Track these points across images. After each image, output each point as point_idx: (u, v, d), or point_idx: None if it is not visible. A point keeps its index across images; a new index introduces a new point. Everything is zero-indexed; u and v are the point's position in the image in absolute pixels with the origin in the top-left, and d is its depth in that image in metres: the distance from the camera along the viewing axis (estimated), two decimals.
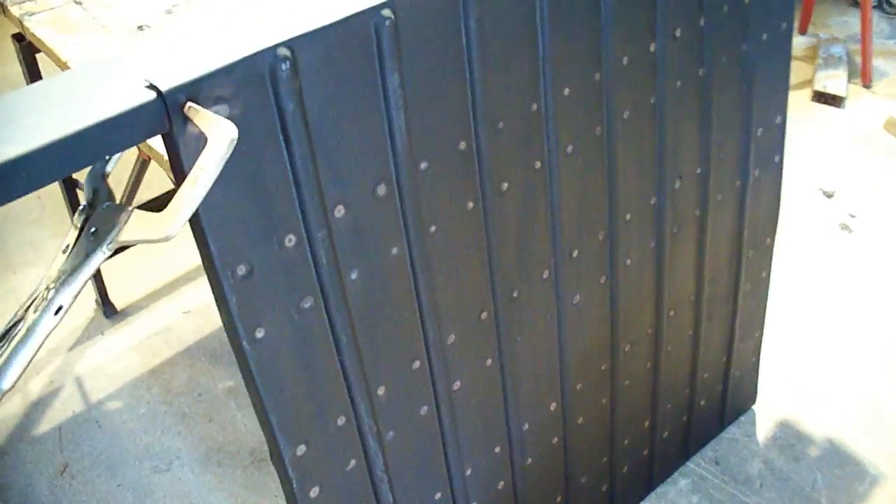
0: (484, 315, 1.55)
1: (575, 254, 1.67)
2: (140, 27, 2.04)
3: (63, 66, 1.94)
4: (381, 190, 1.27)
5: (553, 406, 1.84)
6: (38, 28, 2.06)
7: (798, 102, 3.66)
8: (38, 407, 2.80)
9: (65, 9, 2.14)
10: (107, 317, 3.04)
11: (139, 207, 1.29)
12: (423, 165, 1.31)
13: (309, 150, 1.16)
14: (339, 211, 1.24)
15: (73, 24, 2.07)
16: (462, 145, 1.35)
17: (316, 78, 1.13)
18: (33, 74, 2.40)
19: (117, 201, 1.36)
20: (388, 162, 1.26)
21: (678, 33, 1.65)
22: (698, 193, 1.89)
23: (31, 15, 2.11)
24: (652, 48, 1.61)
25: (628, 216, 1.74)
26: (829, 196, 3.20)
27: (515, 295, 1.60)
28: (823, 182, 3.28)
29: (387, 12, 1.16)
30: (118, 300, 3.09)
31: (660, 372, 2.07)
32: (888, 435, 2.50)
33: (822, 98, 3.61)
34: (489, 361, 1.62)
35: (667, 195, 1.80)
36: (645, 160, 1.72)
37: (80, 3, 2.16)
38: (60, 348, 2.99)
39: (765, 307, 2.34)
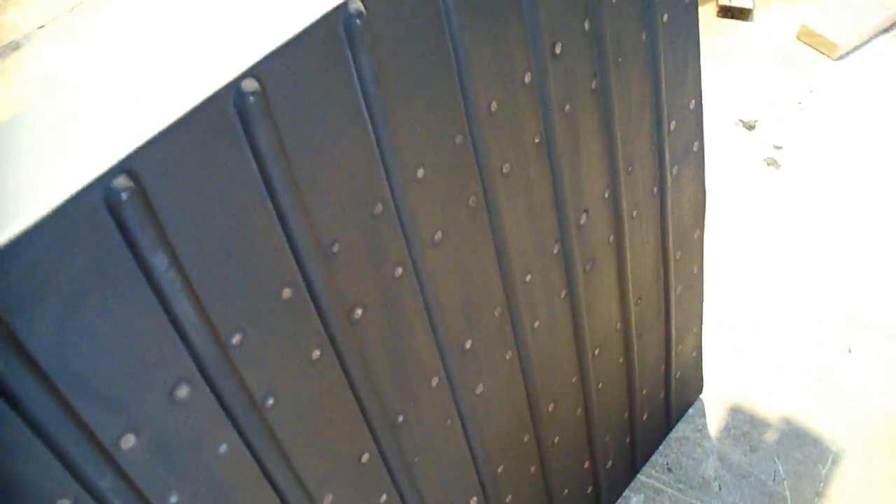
0: (365, 457, 1.23)
1: (468, 345, 1.34)
2: None
3: None
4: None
5: (474, 501, 1.54)
6: None
7: (702, 21, 3.27)
8: None
9: None
10: None
11: None
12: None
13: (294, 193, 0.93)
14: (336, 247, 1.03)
15: None
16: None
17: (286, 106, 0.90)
18: None
19: None
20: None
21: (558, 49, 1.28)
22: (610, 219, 1.56)
23: None
24: (527, 79, 1.25)
25: (528, 277, 1.41)
26: (750, 128, 2.88)
27: (401, 420, 1.27)
28: (741, 111, 2.94)
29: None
30: None
31: (592, 413, 1.78)
32: (843, 404, 2.28)
33: (729, 12, 3.23)
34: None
35: (572, 236, 1.47)
36: (538, 209, 1.37)
37: None
38: None
39: (701, 300, 2.05)
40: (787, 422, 2.26)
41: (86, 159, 0.77)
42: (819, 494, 2.13)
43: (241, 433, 1.00)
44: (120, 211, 0.78)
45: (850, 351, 2.37)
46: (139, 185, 0.79)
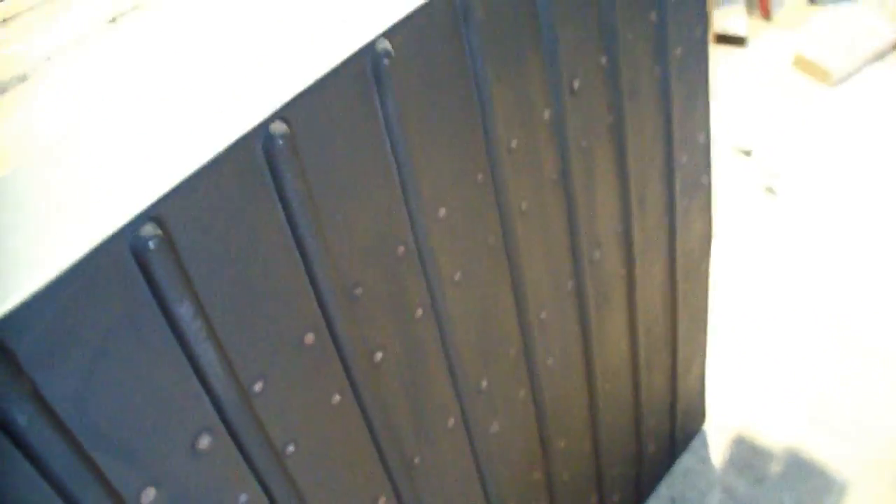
0: (381, 500, 1.20)
1: (483, 385, 1.31)
2: None
3: None
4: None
5: None
6: None
7: None
8: None
9: None
10: None
11: None
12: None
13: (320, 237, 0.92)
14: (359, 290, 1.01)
15: None
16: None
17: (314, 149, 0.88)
18: None
19: None
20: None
21: (576, 85, 1.27)
22: (622, 253, 1.54)
23: None
24: (546, 115, 1.23)
25: (543, 315, 1.39)
26: (747, 154, 2.88)
27: (417, 461, 1.24)
28: (738, 139, 2.94)
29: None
30: None
31: (601, 448, 1.76)
32: (848, 431, 2.26)
33: (724, 40, 3.24)
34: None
35: (585, 272, 1.45)
36: (554, 245, 1.35)
37: None
38: None
39: (706, 330, 2.03)
40: (792, 452, 2.24)
41: (111, 206, 0.75)
42: None
43: (261, 482, 0.97)
44: (147, 260, 0.76)
45: (851, 377, 2.36)
46: (166, 233, 0.76)
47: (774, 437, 2.26)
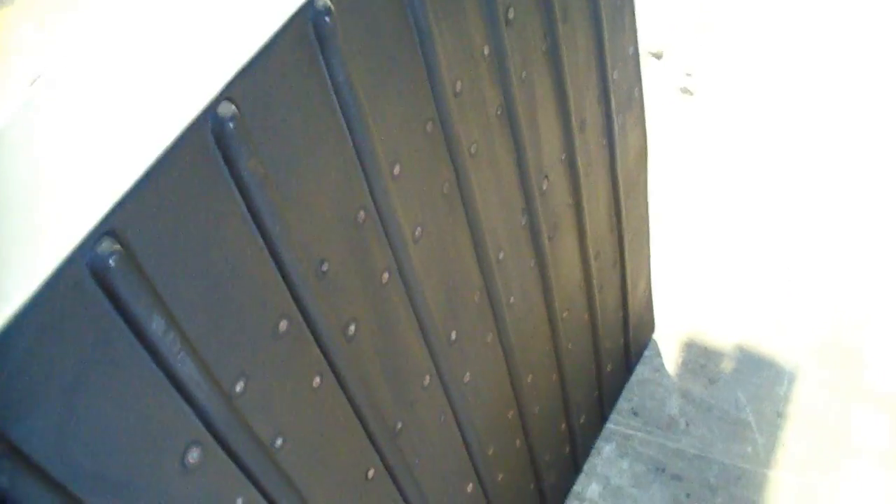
0: (371, 472, 1.16)
1: (453, 336, 1.27)
2: None
3: None
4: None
5: (470, 487, 1.49)
6: None
7: None
8: None
9: None
10: None
11: None
12: None
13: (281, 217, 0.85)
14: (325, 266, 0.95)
15: None
16: None
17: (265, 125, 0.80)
18: None
19: None
20: None
21: (511, 14, 1.20)
22: (568, 180, 1.51)
23: None
24: (486, 51, 1.17)
25: (501, 255, 1.35)
26: (659, 57, 2.86)
27: (400, 427, 1.20)
28: (647, 40, 2.91)
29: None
30: None
31: (566, 376, 1.75)
32: (791, 322, 2.32)
33: None
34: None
35: (536, 204, 1.41)
36: (506, 183, 1.31)
37: None
38: None
39: (648, 242, 2.03)
40: (740, 349, 2.29)
41: (60, 226, 0.66)
42: (780, 414, 2.17)
43: (255, 483, 0.92)
44: (109, 279, 0.68)
45: (787, 270, 2.41)
46: (125, 246, 0.68)
47: (724, 338, 2.30)
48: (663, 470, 2.10)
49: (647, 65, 2.86)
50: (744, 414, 2.19)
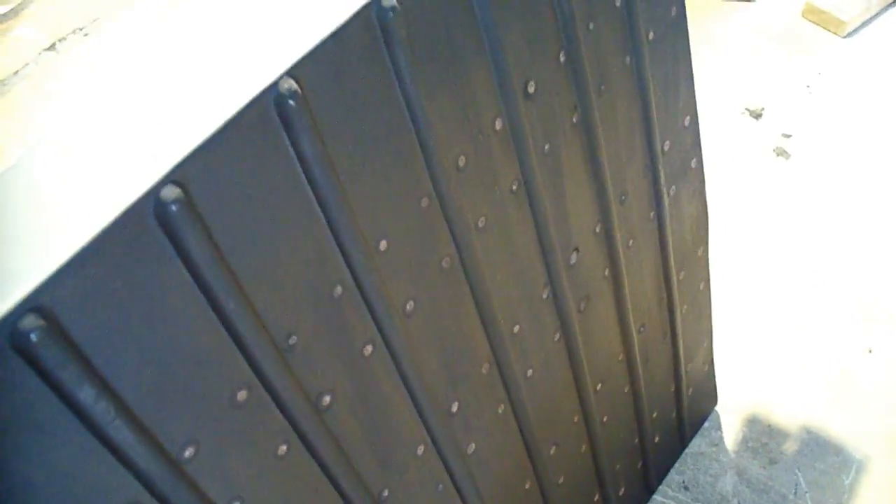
0: None
1: (454, 407, 1.26)
2: None
3: None
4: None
5: None
6: None
7: (703, 4, 3.13)
8: None
9: None
10: None
11: None
12: None
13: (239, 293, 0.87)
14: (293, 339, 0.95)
15: None
16: None
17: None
18: None
19: None
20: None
21: (531, 88, 1.19)
22: (604, 252, 1.47)
23: None
24: (498, 125, 1.16)
25: (516, 328, 1.33)
26: (757, 116, 2.76)
27: (386, 495, 1.19)
28: (747, 98, 2.81)
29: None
30: None
31: (598, 447, 1.70)
32: (863, 405, 2.18)
33: None
34: None
35: (561, 278, 1.38)
36: (522, 257, 1.29)
37: None
38: None
39: (710, 314, 1.95)
40: (807, 430, 2.17)
41: None
42: None
43: None
44: (31, 351, 0.71)
45: (870, 351, 2.27)
46: (51, 319, 0.71)
47: (789, 416, 2.19)
48: None
49: (743, 123, 2.78)
50: (802, 501, 2.07)
